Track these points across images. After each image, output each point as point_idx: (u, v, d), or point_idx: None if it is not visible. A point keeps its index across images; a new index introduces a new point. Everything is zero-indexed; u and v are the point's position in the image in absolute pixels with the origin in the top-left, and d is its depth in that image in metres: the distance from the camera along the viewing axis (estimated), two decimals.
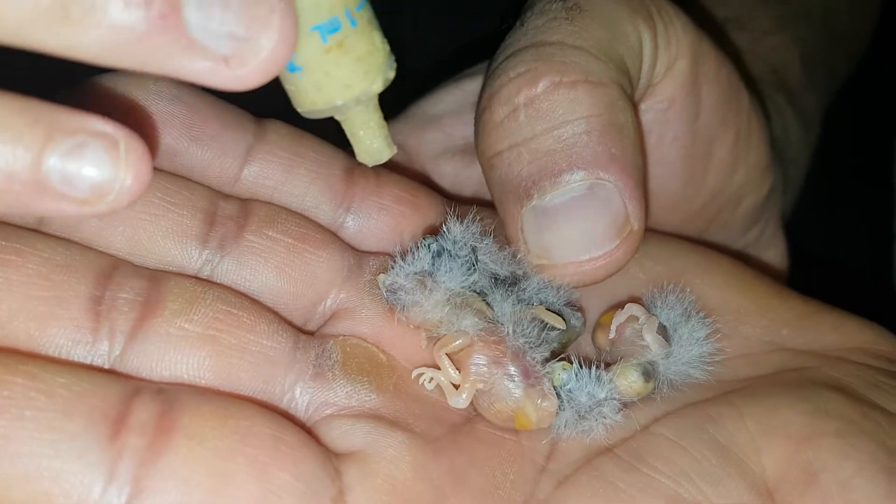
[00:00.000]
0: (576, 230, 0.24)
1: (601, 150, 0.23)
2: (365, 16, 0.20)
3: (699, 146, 0.29)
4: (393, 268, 0.24)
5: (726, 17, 0.39)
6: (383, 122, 0.22)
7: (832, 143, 0.43)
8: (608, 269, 0.24)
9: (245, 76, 0.15)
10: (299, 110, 0.21)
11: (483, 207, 0.28)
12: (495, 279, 0.25)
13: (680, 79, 0.28)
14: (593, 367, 0.24)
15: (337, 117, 0.21)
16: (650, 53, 0.26)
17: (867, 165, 0.49)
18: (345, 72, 0.20)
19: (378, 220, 0.26)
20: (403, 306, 0.23)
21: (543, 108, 0.24)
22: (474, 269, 0.24)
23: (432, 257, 0.23)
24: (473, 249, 0.24)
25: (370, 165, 0.22)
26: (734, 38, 0.39)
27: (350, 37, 0.19)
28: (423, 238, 0.24)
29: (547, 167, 0.24)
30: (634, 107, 0.26)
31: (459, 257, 0.24)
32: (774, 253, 0.36)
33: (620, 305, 0.25)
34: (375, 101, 0.21)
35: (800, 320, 0.26)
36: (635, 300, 0.26)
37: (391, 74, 0.21)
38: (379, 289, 0.24)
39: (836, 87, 0.46)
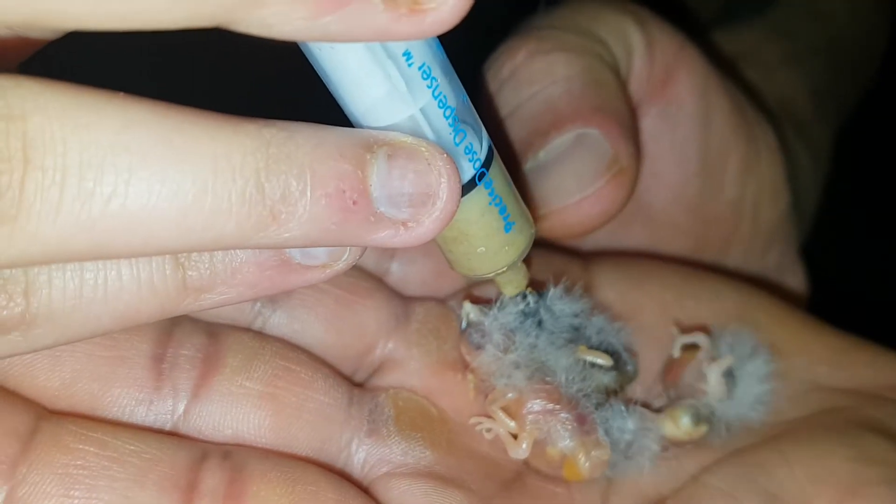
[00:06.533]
0: (566, 176, 0.24)
1: (583, 104, 0.24)
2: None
3: (713, 152, 0.30)
4: (485, 311, 0.24)
5: (737, 53, 0.40)
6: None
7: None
8: (602, 206, 0.24)
9: (421, 234, 0.16)
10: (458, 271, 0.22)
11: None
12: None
13: (689, 83, 0.29)
14: (621, 403, 0.24)
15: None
16: (640, 39, 0.27)
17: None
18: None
19: (422, 265, 0.26)
20: (476, 347, 0.23)
21: (524, 76, 0.25)
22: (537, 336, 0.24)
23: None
24: (539, 322, 0.24)
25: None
26: (745, 73, 0.39)
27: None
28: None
29: (535, 129, 0.24)
30: (620, 76, 0.27)
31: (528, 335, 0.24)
32: (794, 279, 0.37)
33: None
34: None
35: (835, 357, 0.26)
36: (703, 329, 0.26)
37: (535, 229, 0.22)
38: (459, 316, 0.24)
39: (844, 118, 0.46)
